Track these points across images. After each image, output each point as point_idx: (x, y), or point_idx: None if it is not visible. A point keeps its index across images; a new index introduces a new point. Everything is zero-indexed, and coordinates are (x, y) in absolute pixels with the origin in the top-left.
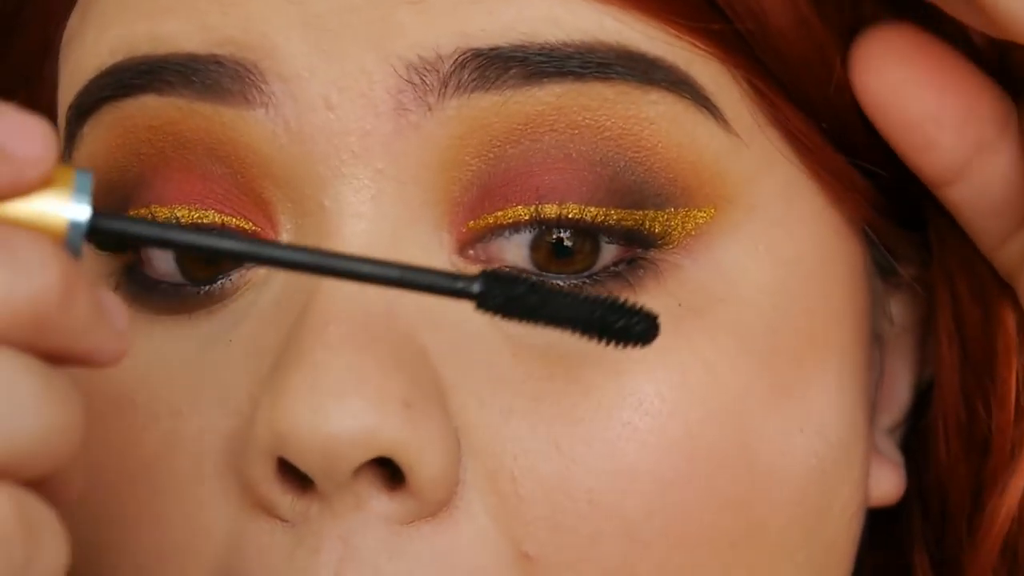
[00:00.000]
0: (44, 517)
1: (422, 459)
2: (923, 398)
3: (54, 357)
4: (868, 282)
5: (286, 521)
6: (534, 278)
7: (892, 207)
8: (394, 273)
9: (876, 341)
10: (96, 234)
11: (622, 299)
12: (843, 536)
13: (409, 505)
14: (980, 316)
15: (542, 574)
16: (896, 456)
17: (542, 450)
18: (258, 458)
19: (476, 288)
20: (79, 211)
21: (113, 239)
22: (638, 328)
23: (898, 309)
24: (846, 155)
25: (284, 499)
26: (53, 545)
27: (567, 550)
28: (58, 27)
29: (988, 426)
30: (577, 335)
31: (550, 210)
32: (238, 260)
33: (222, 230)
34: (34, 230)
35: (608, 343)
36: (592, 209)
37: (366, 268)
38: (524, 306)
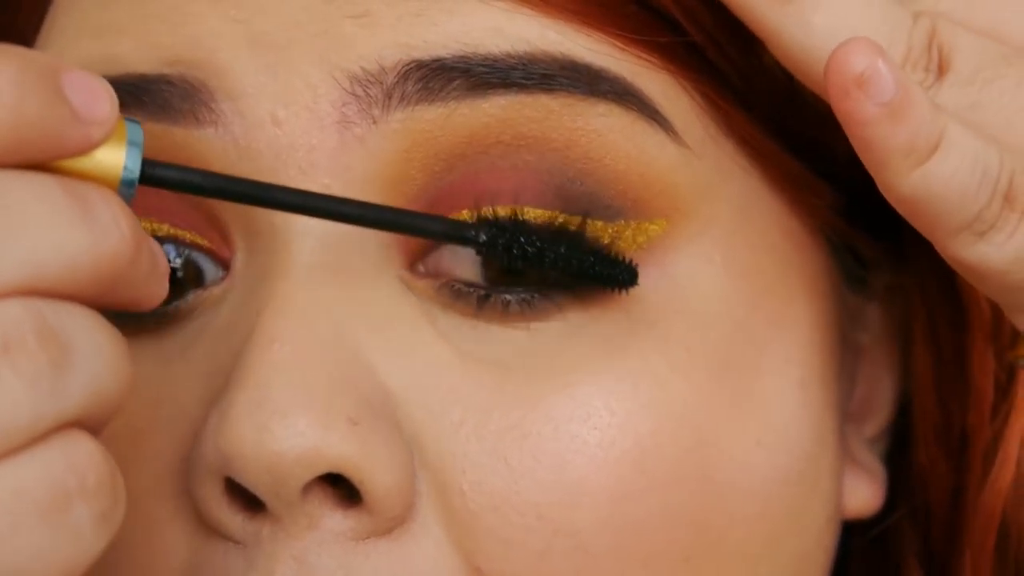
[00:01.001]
0: (117, 470)
1: (373, 474)
2: (903, 409)
3: (117, 304)
4: (835, 291)
5: (239, 543)
6: (530, 226)
7: (862, 214)
8: (408, 220)
9: (850, 351)
10: (148, 182)
11: (610, 253)
12: (813, 548)
13: (364, 522)
14: (951, 317)
15: None
16: (875, 466)
17: (491, 464)
18: (206, 478)
19: (482, 236)
20: (131, 161)
21: (163, 185)
22: (622, 276)
23: (874, 317)
24: (808, 163)
25: (235, 520)
26: (123, 496)
27: (517, 565)
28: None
29: (963, 427)
30: (568, 279)
31: (495, 211)
32: (281, 209)
33: (268, 184)
34: (97, 183)
35: (595, 286)
36: (539, 211)
37: (386, 215)
38: (525, 254)
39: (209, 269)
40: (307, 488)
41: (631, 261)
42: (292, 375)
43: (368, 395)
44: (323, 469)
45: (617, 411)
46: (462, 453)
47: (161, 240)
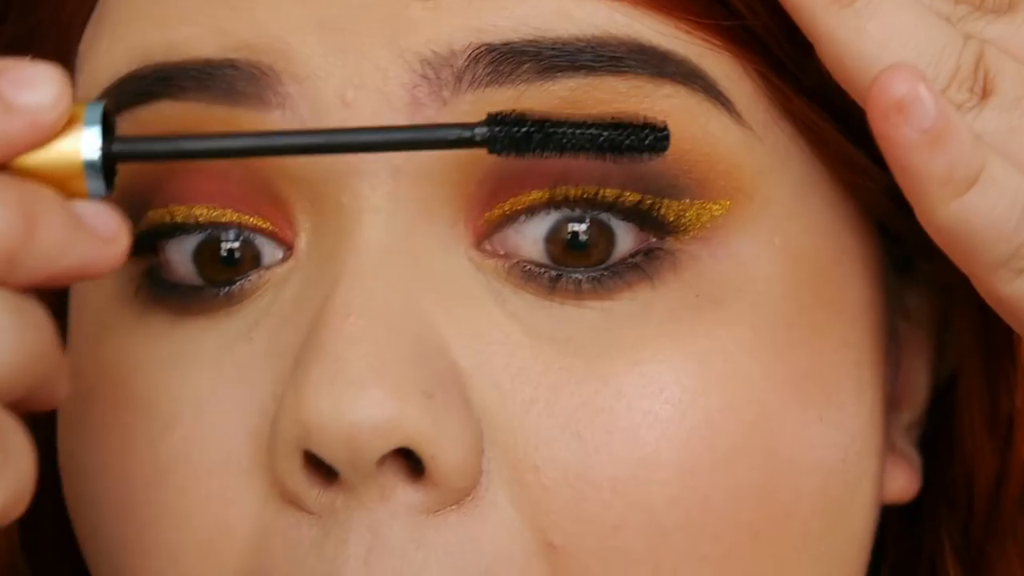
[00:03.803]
0: (13, 433)
1: (443, 449)
2: (940, 397)
3: (41, 280)
4: (882, 276)
5: (312, 514)
6: (537, 113)
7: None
8: (402, 136)
9: (892, 336)
10: (113, 160)
11: (625, 119)
12: (861, 529)
13: (433, 495)
14: None
15: (567, 563)
16: (912, 454)
17: (564, 440)
18: (285, 452)
19: (483, 133)
20: (91, 144)
21: (131, 161)
22: (648, 140)
23: (914, 304)
24: (860, 147)
25: (311, 492)
26: (20, 457)
27: (591, 540)
28: (73, 43)
29: (1011, 412)
30: (592, 158)
31: (566, 191)
32: (248, 156)
33: (223, 134)
34: (61, 177)
35: (623, 158)
36: (608, 191)
37: (375, 137)
38: (532, 142)
39: (268, 250)
40: (381, 460)
41: (655, 122)
42: (367, 347)
43: (440, 370)
44: (398, 441)
45: (688, 387)
46: (535, 430)
47: (224, 226)
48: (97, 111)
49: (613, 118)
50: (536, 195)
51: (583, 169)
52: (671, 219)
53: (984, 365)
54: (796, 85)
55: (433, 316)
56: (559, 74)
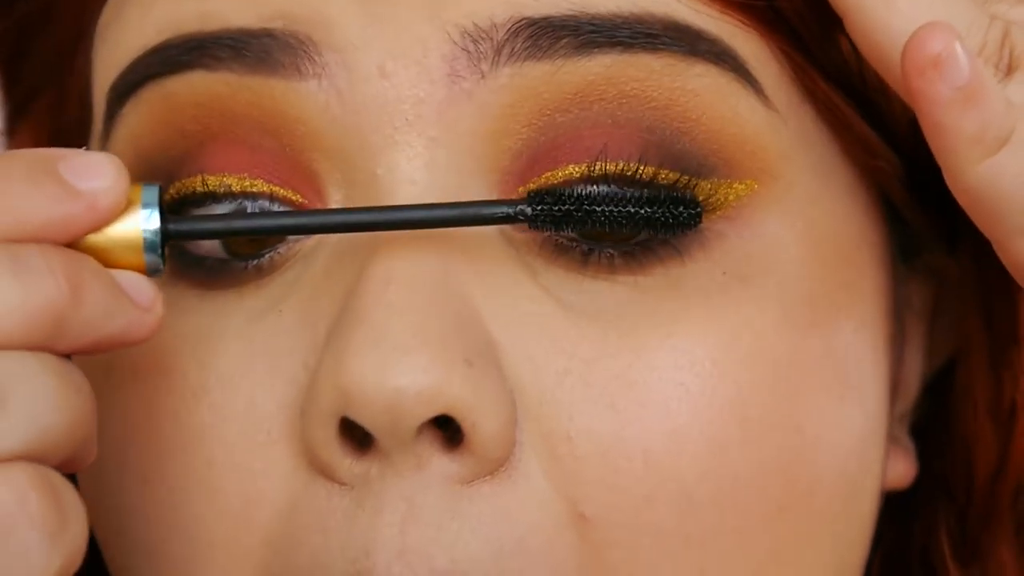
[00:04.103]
0: (69, 494)
1: (483, 417)
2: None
3: (85, 346)
4: (893, 263)
5: (344, 484)
6: (578, 191)
7: (920, 187)
8: (448, 214)
9: (898, 324)
10: (171, 238)
11: (660, 193)
12: (869, 513)
13: (469, 464)
14: (1006, 288)
15: (598, 535)
16: (908, 442)
17: (597, 411)
18: (321, 420)
19: (528, 211)
20: (150, 223)
21: (185, 239)
22: (683, 216)
23: (916, 293)
24: (878, 131)
25: (344, 462)
26: (78, 516)
27: (623, 511)
28: (92, 17)
29: (1013, 398)
30: (630, 231)
31: (603, 167)
32: (295, 234)
33: (273, 212)
34: (121, 254)
35: (659, 233)
36: (645, 168)
37: (419, 215)
38: (573, 219)
39: None
40: (420, 428)
41: (689, 197)
42: (410, 315)
43: (477, 340)
44: (440, 408)
45: (719, 361)
46: (568, 401)
47: (255, 196)
48: (154, 192)
49: (648, 194)
50: (572, 169)
51: (621, 145)
52: (700, 197)
53: (989, 351)
54: (820, 67)
55: (468, 287)
56: (596, 50)
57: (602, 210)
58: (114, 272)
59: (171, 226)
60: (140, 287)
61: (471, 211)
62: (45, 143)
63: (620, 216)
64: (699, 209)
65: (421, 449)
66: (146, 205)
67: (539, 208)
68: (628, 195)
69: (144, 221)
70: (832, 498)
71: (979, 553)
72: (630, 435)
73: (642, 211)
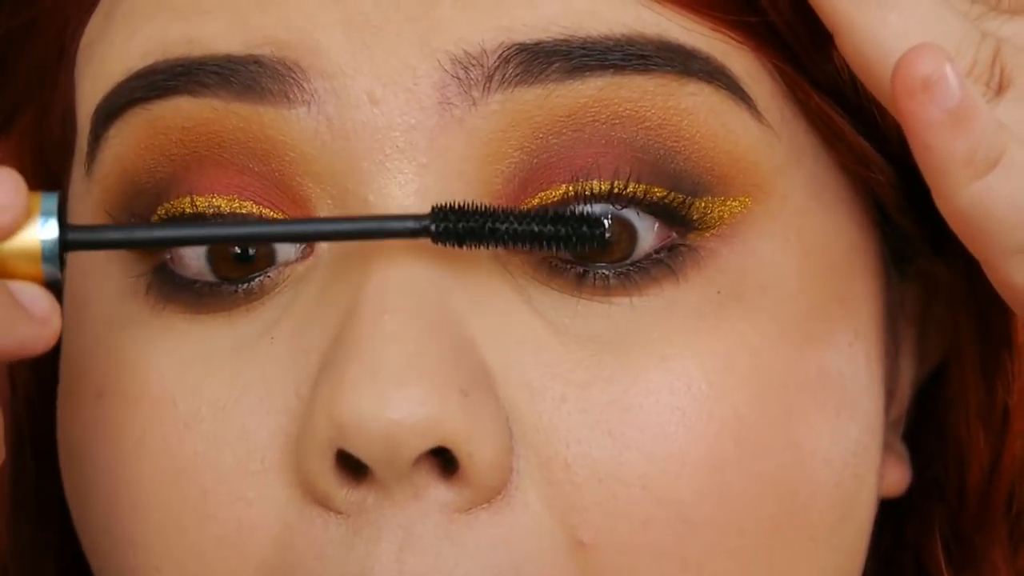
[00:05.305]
0: None
1: (479, 447)
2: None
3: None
4: (886, 272)
5: (340, 513)
6: (483, 207)
7: (911, 197)
8: (350, 227)
9: (892, 332)
10: (70, 248)
11: (567, 210)
12: (866, 523)
13: (466, 493)
14: (998, 296)
15: (596, 560)
16: (902, 449)
17: (595, 437)
18: (317, 451)
19: (430, 226)
20: (47, 233)
21: (85, 249)
22: (586, 232)
23: (908, 300)
24: (870, 141)
25: (340, 492)
26: None
27: (621, 536)
28: (75, 34)
29: (1006, 403)
30: (536, 250)
31: (595, 185)
32: (195, 244)
33: (175, 223)
34: (18, 264)
35: (564, 250)
36: (636, 185)
37: (325, 227)
38: (478, 234)
39: (283, 248)
40: (416, 459)
41: (593, 214)
42: (405, 346)
43: (473, 368)
44: (437, 440)
45: (715, 382)
46: (565, 427)
47: (175, 221)
48: (53, 201)
49: (555, 212)
50: (567, 189)
51: (611, 164)
52: (695, 216)
53: (980, 356)
54: (813, 81)
55: (462, 313)
56: (588, 73)
57: (506, 228)
58: (9, 283)
59: (70, 235)
60: (36, 299)
61: (376, 225)
62: (29, 159)
63: (523, 234)
64: (602, 227)
65: (418, 479)
66: (45, 214)
67: (443, 225)
68: (534, 213)
69: (41, 230)
70: (829, 511)
71: (972, 557)
72: (628, 461)
73: (546, 228)
